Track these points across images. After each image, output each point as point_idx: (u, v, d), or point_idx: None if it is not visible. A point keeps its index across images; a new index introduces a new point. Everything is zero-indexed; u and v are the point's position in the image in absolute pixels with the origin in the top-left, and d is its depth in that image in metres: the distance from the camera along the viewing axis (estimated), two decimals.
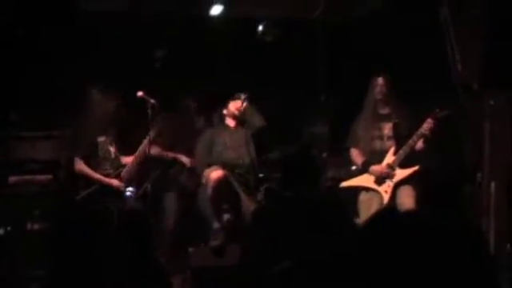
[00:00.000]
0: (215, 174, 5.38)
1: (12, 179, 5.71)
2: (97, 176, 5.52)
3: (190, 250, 5.28)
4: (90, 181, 5.50)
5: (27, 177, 5.75)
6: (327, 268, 2.39)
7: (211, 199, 5.33)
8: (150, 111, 5.58)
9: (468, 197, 5.67)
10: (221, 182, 5.36)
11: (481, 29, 4.49)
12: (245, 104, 5.79)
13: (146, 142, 5.60)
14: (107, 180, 5.53)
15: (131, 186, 5.67)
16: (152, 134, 5.59)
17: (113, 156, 5.63)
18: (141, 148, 5.64)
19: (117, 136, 5.73)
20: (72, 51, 6.36)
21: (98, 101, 5.57)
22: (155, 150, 5.86)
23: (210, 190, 5.34)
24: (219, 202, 5.39)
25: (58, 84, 6.22)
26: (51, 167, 5.79)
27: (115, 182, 5.55)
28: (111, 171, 5.59)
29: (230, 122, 5.89)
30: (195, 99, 6.41)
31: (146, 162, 5.70)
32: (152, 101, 5.57)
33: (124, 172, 5.63)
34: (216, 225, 5.37)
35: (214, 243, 5.32)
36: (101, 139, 5.60)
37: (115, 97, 5.62)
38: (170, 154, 6.09)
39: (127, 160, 5.70)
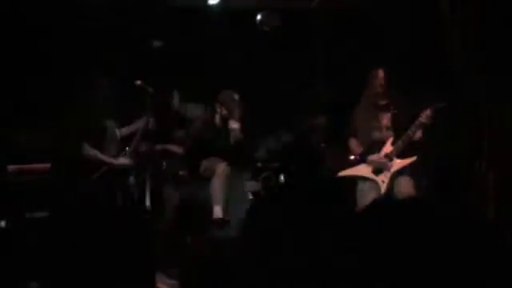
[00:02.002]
0: (222, 164, 5.52)
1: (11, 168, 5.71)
2: (107, 158, 5.46)
3: (189, 239, 5.29)
4: (96, 165, 5.42)
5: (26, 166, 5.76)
6: (326, 257, 2.39)
7: (216, 190, 5.44)
8: (148, 100, 5.61)
9: (467, 184, 5.67)
10: (226, 174, 5.51)
11: (479, 15, 4.47)
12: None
13: (141, 124, 5.63)
14: (117, 161, 5.49)
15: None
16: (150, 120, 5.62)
17: (119, 139, 5.63)
18: (140, 130, 5.63)
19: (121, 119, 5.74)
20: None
21: (102, 86, 5.58)
22: (143, 147, 5.86)
23: (216, 181, 5.46)
24: (222, 192, 5.49)
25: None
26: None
27: (124, 161, 5.51)
28: (116, 154, 5.57)
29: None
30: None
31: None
32: (150, 90, 5.60)
33: (128, 153, 5.60)
34: (216, 214, 5.43)
35: (214, 233, 5.34)
36: (109, 123, 5.60)
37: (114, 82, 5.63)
38: (158, 147, 6.10)
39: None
